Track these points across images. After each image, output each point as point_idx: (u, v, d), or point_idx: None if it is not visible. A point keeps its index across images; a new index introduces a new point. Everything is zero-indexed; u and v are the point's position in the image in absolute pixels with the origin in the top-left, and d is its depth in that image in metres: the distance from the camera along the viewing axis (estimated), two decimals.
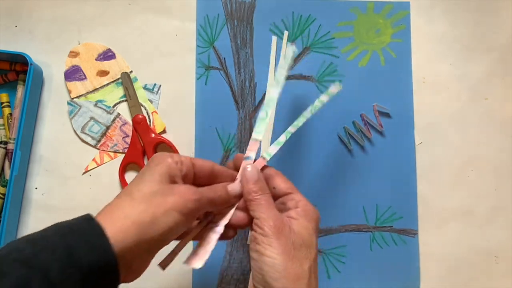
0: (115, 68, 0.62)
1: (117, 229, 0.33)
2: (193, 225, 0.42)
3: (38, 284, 0.29)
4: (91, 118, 0.61)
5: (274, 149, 0.47)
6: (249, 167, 0.43)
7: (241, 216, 0.43)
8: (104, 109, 0.61)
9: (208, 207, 0.40)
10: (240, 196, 0.43)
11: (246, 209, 0.42)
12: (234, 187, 0.43)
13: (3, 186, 0.58)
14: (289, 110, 0.62)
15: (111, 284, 0.33)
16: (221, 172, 0.43)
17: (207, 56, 0.63)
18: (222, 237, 0.42)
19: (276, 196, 0.43)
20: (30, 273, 0.30)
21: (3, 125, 0.60)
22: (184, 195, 0.37)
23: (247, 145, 0.47)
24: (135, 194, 0.36)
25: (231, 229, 0.43)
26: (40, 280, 0.30)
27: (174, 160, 0.39)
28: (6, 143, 0.59)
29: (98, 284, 0.32)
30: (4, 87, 0.61)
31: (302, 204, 0.41)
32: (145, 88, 0.62)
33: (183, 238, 0.42)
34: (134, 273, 0.36)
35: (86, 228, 0.33)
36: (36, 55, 0.61)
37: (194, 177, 0.41)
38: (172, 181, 0.38)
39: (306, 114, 0.49)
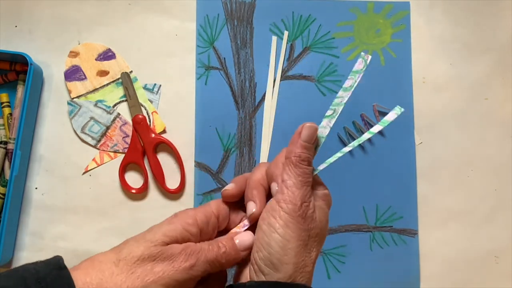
0: (115, 68, 0.62)
1: None
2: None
3: None
4: (91, 118, 0.61)
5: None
6: (311, 123, 0.37)
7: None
8: (104, 109, 0.61)
9: (208, 270, 0.34)
10: (250, 249, 0.35)
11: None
12: (243, 239, 0.35)
13: (3, 186, 0.58)
14: (289, 110, 0.62)
15: None
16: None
17: (207, 56, 0.63)
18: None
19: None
20: None
21: (3, 125, 0.60)
22: (176, 261, 0.32)
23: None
24: (123, 257, 0.31)
25: None
26: None
27: (197, 222, 0.34)
28: (6, 143, 0.59)
29: None
30: (4, 87, 0.61)
31: (322, 188, 0.37)
32: (145, 88, 0.62)
33: None
34: None
35: (55, 281, 0.29)
36: (36, 55, 0.61)
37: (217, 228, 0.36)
38: (176, 241, 0.33)
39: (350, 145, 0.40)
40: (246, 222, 0.37)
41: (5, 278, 0.29)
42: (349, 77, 0.38)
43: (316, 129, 0.37)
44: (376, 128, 0.39)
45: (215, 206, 0.37)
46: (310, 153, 0.35)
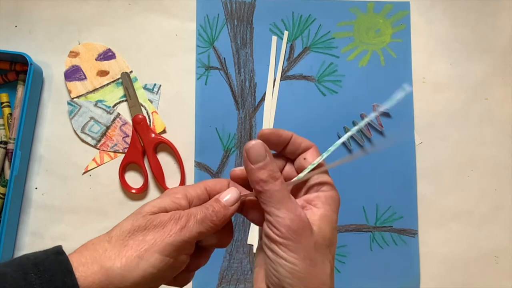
0: (115, 68, 0.62)
1: (84, 271, 0.29)
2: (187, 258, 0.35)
3: None
4: (91, 118, 0.61)
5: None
6: (252, 142, 0.33)
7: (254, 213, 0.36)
8: (104, 109, 0.61)
9: (202, 231, 0.33)
10: (238, 200, 0.35)
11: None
12: (228, 196, 0.35)
13: (3, 186, 0.58)
14: (289, 110, 0.62)
15: None
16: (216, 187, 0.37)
17: (207, 56, 0.63)
18: (219, 244, 0.37)
19: (302, 169, 0.36)
20: None
21: (3, 125, 0.60)
22: (167, 227, 0.31)
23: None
24: (114, 233, 0.32)
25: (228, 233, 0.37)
26: None
27: (185, 196, 0.34)
28: (6, 143, 0.59)
29: None
30: (4, 87, 0.61)
31: (327, 188, 0.34)
32: (145, 88, 0.62)
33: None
34: None
35: (52, 264, 0.29)
36: (36, 55, 0.61)
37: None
38: (165, 211, 0.33)
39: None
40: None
41: (4, 265, 0.29)
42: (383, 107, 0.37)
43: (260, 143, 0.33)
44: (383, 107, 0.36)
45: (211, 183, 0.36)
46: (270, 168, 0.33)
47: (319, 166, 0.35)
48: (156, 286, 0.32)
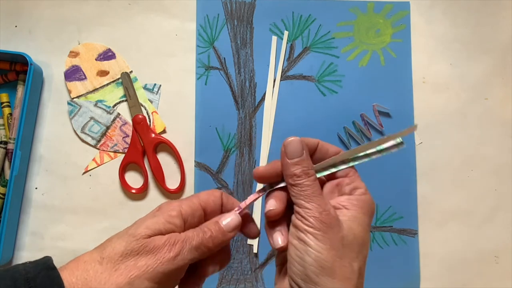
0: (115, 68, 0.62)
1: None
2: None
3: None
4: (91, 118, 0.61)
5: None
6: (291, 137, 0.35)
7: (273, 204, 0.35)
8: (104, 109, 0.61)
9: (196, 257, 0.33)
10: (238, 228, 0.35)
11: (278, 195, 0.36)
12: (229, 220, 0.35)
13: (3, 186, 0.58)
14: (289, 110, 0.62)
15: None
16: (228, 205, 0.37)
17: (207, 56, 0.63)
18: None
19: (331, 177, 0.37)
20: None
21: (3, 125, 0.60)
22: (160, 253, 0.31)
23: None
24: (106, 254, 0.31)
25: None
26: None
27: (181, 213, 0.34)
28: (6, 143, 0.59)
29: None
30: (4, 87, 0.61)
31: (360, 192, 0.35)
32: (145, 88, 0.62)
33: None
34: None
35: (44, 281, 0.29)
36: (36, 55, 0.61)
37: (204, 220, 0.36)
38: (159, 234, 0.33)
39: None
40: (241, 205, 0.36)
41: None
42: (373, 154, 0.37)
43: (298, 140, 0.35)
44: (371, 153, 0.37)
45: (204, 197, 0.36)
46: (304, 165, 0.34)
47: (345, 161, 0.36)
48: None
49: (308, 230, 0.32)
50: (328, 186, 0.36)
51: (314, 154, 0.36)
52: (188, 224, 0.34)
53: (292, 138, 0.35)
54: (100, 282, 0.30)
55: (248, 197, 0.36)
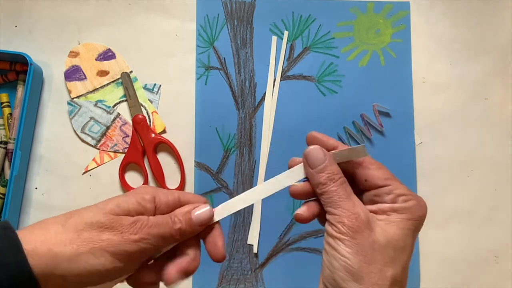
0: (115, 68, 0.62)
1: (31, 251, 0.28)
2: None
3: None
4: (91, 118, 0.61)
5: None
6: (311, 147, 0.34)
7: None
8: (104, 109, 0.61)
9: (160, 246, 0.32)
10: (208, 223, 0.34)
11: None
12: (201, 213, 0.33)
13: (3, 186, 0.58)
14: (289, 110, 0.62)
15: None
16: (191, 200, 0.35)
17: (207, 56, 0.63)
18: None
19: (368, 189, 0.35)
20: None
21: (3, 125, 0.60)
22: (125, 233, 0.30)
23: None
24: (72, 220, 0.31)
25: None
26: None
27: (153, 198, 0.33)
28: (6, 143, 0.59)
29: None
30: (4, 87, 0.61)
31: (402, 199, 0.34)
32: (145, 88, 0.62)
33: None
34: None
35: (1, 240, 0.28)
36: (36, 55, 0.61)
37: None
38: (128, 214, 0.32)
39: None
40: (217, 209, 0.35)
41: None
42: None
43: (317, 148, 0.34)
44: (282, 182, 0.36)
45: (189, 196, 0.35)
46: (329, 171, 0.33)
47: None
48: (100, 283, 0.31)
49: (336, 236, 0.32)
50: (366, 197, 0.35)
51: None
52: (159, 211, 0.33)
53: (312, 147, 0.34)
54: (60, 242, 0.29)
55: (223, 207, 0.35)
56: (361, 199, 0.35)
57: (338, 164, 0.35)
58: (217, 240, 0.34)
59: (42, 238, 0.29)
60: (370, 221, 0.32)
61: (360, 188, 0.36)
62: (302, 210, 0.35)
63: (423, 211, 0.35)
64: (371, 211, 0.33)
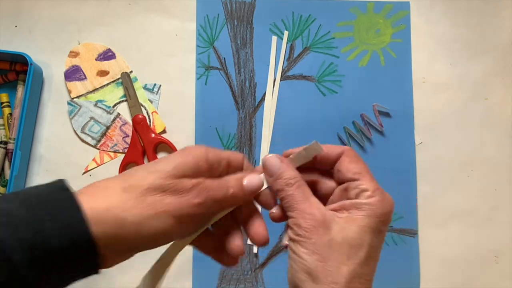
0: (115, 68, 0.62)
1: (94, 217, 0.28)
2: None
3: None
4: (91, 118, 0.61)
5: None
6: (268, 155, 0.35)
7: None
8: (104, 109, 0.61)
9: (215, 211, 0.33)
10: (258, 191, 0.35)
11: None
12: (252, 181, 0.34)
13: (3, 186, 0.58)
14: (289, 110, 0.62)
15: (88, 271, 0.28)
16: (248, 170, 0.36)
17: (207, 56, 0.63)
18: (226, 262, 0.36)
19: (339, 181, 0.35)
20: None
21: (3, 125, 0.60)
22: (186, 196, 0.31)
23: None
24: (132, 184, 0.30)
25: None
26: (0, 264, 0.25)
27: (207, 158, 0.33)
28: (6, 143, 0.59)
29: (72, 271, 0.27)
30: (4, 87, 0.61)
31: (366, 195, 0.33)
32: (145, 88, 0.62)
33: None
34: (105, 264, 0.30)
35: (58, 199, 0.27)
36: (36, 55, 0.61)
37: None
38: (186, 176, 0.32)
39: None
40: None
41: (5, 201, 0.27)
42: None
43: (273, 156, 0.35)
44: None
45: (229, 152, 0.35)
46: (285, 177, 0.33)
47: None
48: (158, 246, 0.32)
49: (294, 238, 0.32)
50: (337, 191, 0.35)
51: (315, 160, 0.35)
52: (213, 171, 0.34)
53: (269, 155, 0.35)
54: (124, 209, 0.29)
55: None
56: (336, 194, 0.35)
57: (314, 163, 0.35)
58: (258, 223, 0.35)
59: (106, 204, 0.29)
60: (327, 220, 0.32)
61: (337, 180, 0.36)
62: (275, 209, 0.35)
63: (387, 208, 0.33)
64: (333, 209, 0.33)
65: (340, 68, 0.63)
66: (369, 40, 0.64)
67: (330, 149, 0.35)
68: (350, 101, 0.63)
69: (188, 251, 0.59)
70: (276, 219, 0.35)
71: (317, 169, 0.36)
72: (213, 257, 0.36)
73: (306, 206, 0.32)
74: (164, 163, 0.32)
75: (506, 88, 0.64)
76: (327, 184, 0.36)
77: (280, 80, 0.63)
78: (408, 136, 0.63)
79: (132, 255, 0.31)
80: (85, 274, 0.28)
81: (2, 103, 0.60)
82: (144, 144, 0.60)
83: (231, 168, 0.35)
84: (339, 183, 0.35)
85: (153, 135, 0.60)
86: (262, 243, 0.35)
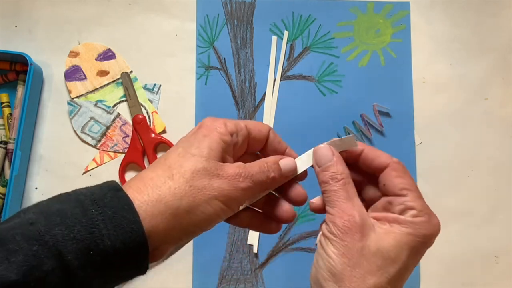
0: (115, 68, 0.62)
1: (148, 211, 0.28)
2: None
3: (51, 267, 0.25)
4: (91, 118, 0.61)
5: None
6: (320, 145, 0.34)
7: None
8: (104, 109, 0.61)
9: (258, 194, 0.34)
10: (294, 174, 0.35)
11: None
12: (287, 163, 0.34)
13: (3, 186, 0.58)
14: (289, 110, 0.62)
15: (137, 272, 0.29)
16: (274, 141, 0.37)
17: (207, 56, 0.63)
18: (267, 229, 0.36)
19: (385, 194, 0.34)
20: (42, 252, 0.25)
21: (3, 125, 0.60)
22: (233, 181, 0.31)
23: None
24: (176, 171, 0.30)
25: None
26: (53, 263, 0.25)
27: (227, 131, 0.33)
28: (6, 143, 0.59)
29: (122, 271, 0.28)
30: (4, 87, 0.61)
31: (411, 213, 0.32)
32: (145, 88, 0.62)
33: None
34: (154, 258, 0.30)
35: (112, 201, 0.28)
36: (36, 55, 0.61)
37: (246, 146, 0.35)
38: (223, 157, 0.32)
39: None
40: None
41: (59, 201, 0.28)
42: None
43: (326, 147, 0.34)
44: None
45: (251, 122, 0.36)
46: (333, 170, 0.33)
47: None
48: (207, 229, 0.32)
49: (326, 235, 0.31)
50: (382, 201, 0.34)
51: (357, 162, 0.35)
52: (234, 142, 0.34)
53: (322, 146, 0.34)
54: (175, 197, 0.29)
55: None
56: (380, 204, 0.34)
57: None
58: (295, 186, 0.36)
59: (156, 196, 0.29)
60: (366, 226, 0.31)
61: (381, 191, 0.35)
62: (316, 199, 0.35)
63: (431, 230, 0.32)
64: (375, 218, 0.32)
65: (340, 68, 0.63)
66: (369, 40, 0.64)
67: (372, 152, 0.35)
68: (350, 101, 0.63)
69: (188, 251, 0.59)
70: (315, 210, 0.35)
71: (366, 172, 0.35)
72: (259, 230, 0.36)
73: (348, 206, 0.32)
74: (194, 147, 0.32)
75: (506, 88, 0.64)
76: (373, 189, 0.35)
77: (280, 80, 0.63)
78: (408, 136, 0.63)
79: (179, 244, 0.31)
80: (134, 274, 0.29)
81: (2, 103, 0.60)
82: (144, 144, 0.60)
83: (252, 137, 0.35)
84: (384, 194, 0.34)
85: (153, 135, 0.60)
86: (304, 201, 0.35)
